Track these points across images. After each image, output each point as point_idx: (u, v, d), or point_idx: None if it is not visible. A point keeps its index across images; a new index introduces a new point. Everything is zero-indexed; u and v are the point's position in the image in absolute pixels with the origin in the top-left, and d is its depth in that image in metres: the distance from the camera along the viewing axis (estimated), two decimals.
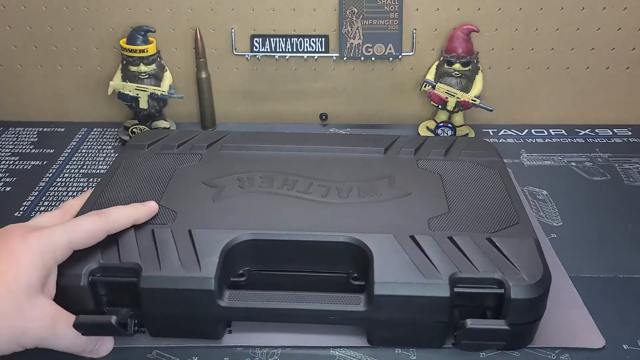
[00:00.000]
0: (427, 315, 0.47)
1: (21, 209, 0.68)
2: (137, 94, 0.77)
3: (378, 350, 0.49)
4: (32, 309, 0.40)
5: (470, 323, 0.45)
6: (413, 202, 0.55)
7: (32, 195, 0.71)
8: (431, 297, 0.45)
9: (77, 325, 0.45)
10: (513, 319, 0.45)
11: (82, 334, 0.45)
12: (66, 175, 0.75)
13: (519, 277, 0.45)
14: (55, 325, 0.42)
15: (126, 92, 0.77)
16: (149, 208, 0.50)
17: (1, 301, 0.38)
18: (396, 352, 0.49)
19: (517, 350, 0.49)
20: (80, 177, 0.74)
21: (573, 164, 0.77)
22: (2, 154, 0.79)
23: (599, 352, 0.49)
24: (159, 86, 0.78)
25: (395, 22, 0.79)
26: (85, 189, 0.72)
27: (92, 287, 0.46)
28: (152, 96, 0.77)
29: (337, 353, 0.49)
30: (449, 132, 0.80)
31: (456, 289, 0.45)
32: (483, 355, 0.48)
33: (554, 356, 0.48)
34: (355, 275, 0.50)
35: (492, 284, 0.46)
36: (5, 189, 0.72)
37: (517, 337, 0.48)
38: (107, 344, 0.47)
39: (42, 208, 0.68)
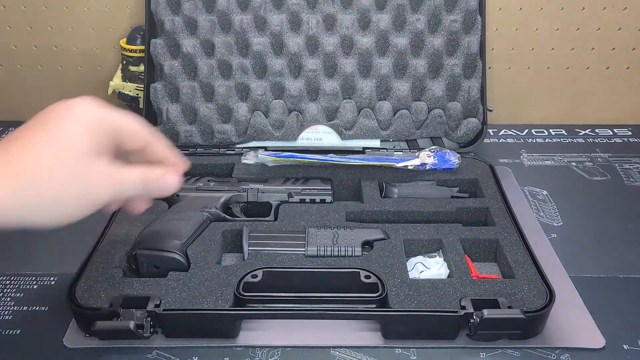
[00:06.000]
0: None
1: None
2: (137, 94, 0.77)
3: (378, 350, 0.49)
4: (90, 173, 0.38)
5: (487, 313, 0.46)
6: None
7: None
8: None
9: (95, 332, 0.46)
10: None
11: (100, 339, 0.45)
12: None
13: None
14: (119, 178, 0.40)
15: (126, 92, 0.77)
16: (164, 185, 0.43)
17: (57, 170, 0.37)
18: (396, 352, 0.49)
19: (530, 338, 0.49)
20: None
21: (573, 164, 0.77)
22: None
23: (599, 352, 0.49)
24: None
25: None
26: None
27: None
28: None
29: (337, 353, 0.49)
30: None
31: None
32: (483, 355, 0.48)
33: (554, 356, 0.48)
34: (367, 274, 0.51)
35: None
36: None
37: (531, 326, 0.49)
38: (172, 176, 0.43)
39: None
